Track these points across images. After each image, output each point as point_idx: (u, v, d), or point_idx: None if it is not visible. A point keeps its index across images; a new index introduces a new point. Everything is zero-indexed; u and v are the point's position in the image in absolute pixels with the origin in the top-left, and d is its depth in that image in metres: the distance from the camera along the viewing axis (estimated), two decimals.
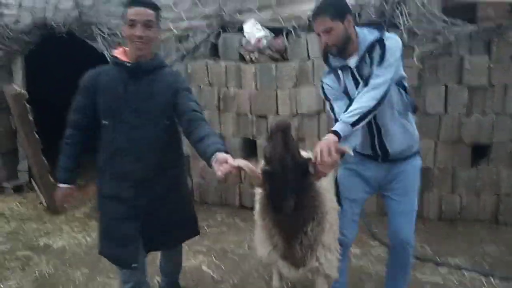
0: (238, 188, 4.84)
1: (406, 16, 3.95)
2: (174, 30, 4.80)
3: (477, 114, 4.05)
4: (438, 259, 3.63)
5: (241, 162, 1.95)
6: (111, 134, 2.38)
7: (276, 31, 4.49)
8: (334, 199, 2.56)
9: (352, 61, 2.34)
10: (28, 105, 4.93)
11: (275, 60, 4.46)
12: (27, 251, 4.10)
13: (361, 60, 2.31)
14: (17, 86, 5.34)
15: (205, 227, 4.39)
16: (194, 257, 3.85)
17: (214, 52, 4.75)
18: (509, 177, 4.10)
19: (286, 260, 2.40)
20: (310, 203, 2.22)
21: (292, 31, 4.37)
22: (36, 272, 3.72)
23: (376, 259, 3.67)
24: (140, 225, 2.45)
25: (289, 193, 2.06)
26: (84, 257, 3.94)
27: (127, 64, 2.33)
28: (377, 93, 2.18)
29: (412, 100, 2.49)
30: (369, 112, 2.18)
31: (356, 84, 2.35)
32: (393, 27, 4.02)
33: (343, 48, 2.29)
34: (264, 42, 4.45)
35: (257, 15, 4.55)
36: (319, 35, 2.31)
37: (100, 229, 2.55)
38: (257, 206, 2.55)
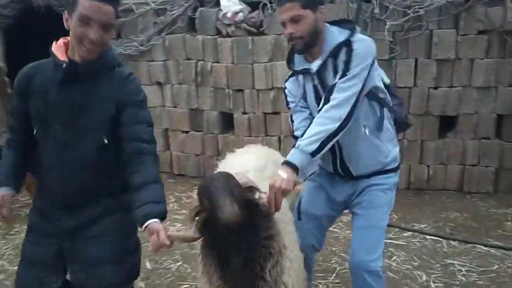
0: (216, 160, 4.96)
1: None
2: (152, 4, 4.83)
3: (445, 87, 4.20)
4: (403, 225, 3.82)
5: (174, 236, 1.62)
6: (40, 146, 1.90)
7: (253, 5, 4.56)
8: (292, 228, 2.13)
9: (315, 65, 2.01)
10: (7, 79, 4.96)
11: (251, 34, 4.53)
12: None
13: (324, 64, 1.98)
14: None
15: (184, 198, 4.53)
16: (172, 224, 3.99)
17: (191, 26, 4.80)
18: (475, 148, 4.28)
19: None
20: (264, 245, 1.74)
21: (268, 5, 4.44)
22: (17, 240, 3.83)
23: (345, 225, 3.84)
24: (61, 253, 1.90)
25: (236, 247, 1.67)
26: None
27: (63, 64, 1.78)
28: (341, 112, 1.85)
29: (399, 114, 2.17)
30: (332, 136, 1.84)
31: (316, 93, 2.04)
32: (367, 1, 4.12)
33: (310, 43, 1.96)
34: (241, 16, 4.52)
35: None
36: (284, 25, 1.97)
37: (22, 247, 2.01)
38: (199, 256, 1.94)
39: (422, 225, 3.82)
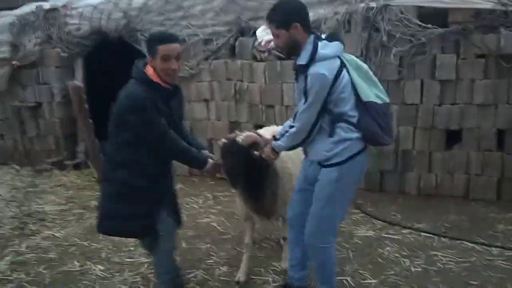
0: None
1: (386, 21, 4.71)
2: (201, 35, 5.79)
3: (448, 104, 4.72)
4: (404, 223, 4.36)
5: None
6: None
7: None
8: (289, 166, 3.20)
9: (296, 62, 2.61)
10: (84, 96, 6.10)
11: (281, 59, 5.32)
12: (81, 209, 5.26)
13: (296, 74, 2.65)
14: (78, 82, 6.54)
15: (221, 196, 5.35)
16: (207, 216, 4.81)
17: (232, 52, 5.70)
18: (478, 159, 4.74)
19: (259, 214, 3.25)
20: (261, 167, 2.97)
21: None
22: (87, 223, 4.84)
23: (354, 223, 4.46)
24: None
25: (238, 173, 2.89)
26: None
27: (170, 89, 2.75)
28: (301, 136, 2.60)
29: (369, 130, 2.57)
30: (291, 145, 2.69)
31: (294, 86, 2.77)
32: (376, 31, 4.78)
33: (290, 51, 2.62)
34: (272, 44, 5.33)
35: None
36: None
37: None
38: None
39: (421, 225, 4.34)
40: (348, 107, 2.58)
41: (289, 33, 2.54)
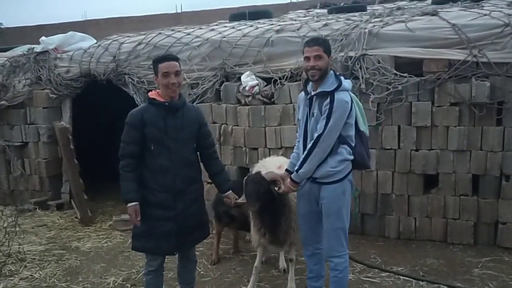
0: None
1: (364, 70, 4.92)
2: (187, 80, 5.95)
3: (425, 150, 4.88)
4: (383, 266, 4.40)
5: (238, 201, 3.40)
6: (156, 156, 3.08)
7: (266, 80, 5.55)
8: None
9: (312, 94, 3.13)
10: (70, 137, 6.18)
11: (264, 103, 5.49)
12: (61, 250, 5.22)
13: (315, 99, 3.12)
14: (65, 123, 6.62)
15: None
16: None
17: (217, 96, 5.86)
18: (455, 203, 4.85)
19: (274, 244, 3.78)
20: (280, 206, 3.50)
21: (278, 81, 5.41)
22: (67, 264, 4.80)
23: None
24: (176, 224, 3.14)
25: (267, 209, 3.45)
26: (104, 256, 5.00)
27: (165, 103, 3.06)
28: (322, 156, 3.09)
29: (359, 153, 3.19)
30: (313, 168, 3.12)
31: (305, 112, 3.22)
32: (355, 78, 4.99)
33: (322, 76, 3.06)
34: (256, 89, 5.51)
35: (252, 68, 5.65)
36: (308, 58, 3.07)
37: (140, 230, 3.17)
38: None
39: (400, 268, 4.38)
40: (352, 133, 3.17)
41: (329, 60, 3.14)
